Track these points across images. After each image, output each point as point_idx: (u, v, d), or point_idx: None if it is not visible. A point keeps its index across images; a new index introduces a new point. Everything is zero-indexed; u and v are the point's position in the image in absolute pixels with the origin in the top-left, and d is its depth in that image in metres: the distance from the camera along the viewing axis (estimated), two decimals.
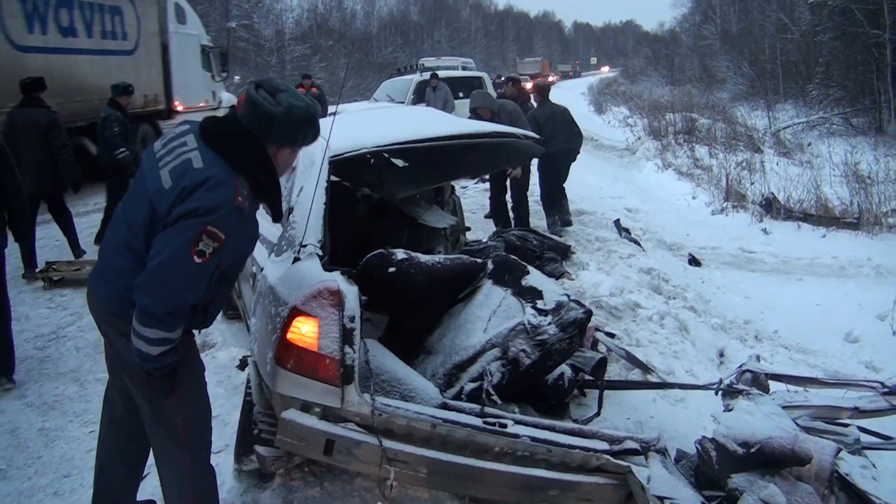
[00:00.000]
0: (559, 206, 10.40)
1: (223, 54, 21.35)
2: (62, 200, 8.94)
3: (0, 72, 11.44)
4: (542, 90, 10.81)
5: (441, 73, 19.59)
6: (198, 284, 2.89)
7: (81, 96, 13.41)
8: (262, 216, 4.73)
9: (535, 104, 10.94)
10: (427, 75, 18.70)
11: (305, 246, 3.65)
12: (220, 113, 7.01)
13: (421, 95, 17.66)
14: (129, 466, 3.52)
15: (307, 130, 3.10)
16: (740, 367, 4.41)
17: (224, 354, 5.91)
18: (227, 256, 2.93)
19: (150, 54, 16.35)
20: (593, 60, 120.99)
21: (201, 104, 18.60)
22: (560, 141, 9.82)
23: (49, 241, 9.93)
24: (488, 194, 11.40)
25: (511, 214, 10.02)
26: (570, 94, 48.61)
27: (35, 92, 8.48)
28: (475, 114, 8.95)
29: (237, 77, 40.17)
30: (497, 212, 10.11)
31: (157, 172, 2.94)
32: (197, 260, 2.78)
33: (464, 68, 26.90)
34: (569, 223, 10.35)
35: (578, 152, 10.55)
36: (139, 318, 2.81)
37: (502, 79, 13.42)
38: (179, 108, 17.16)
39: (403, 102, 17.32)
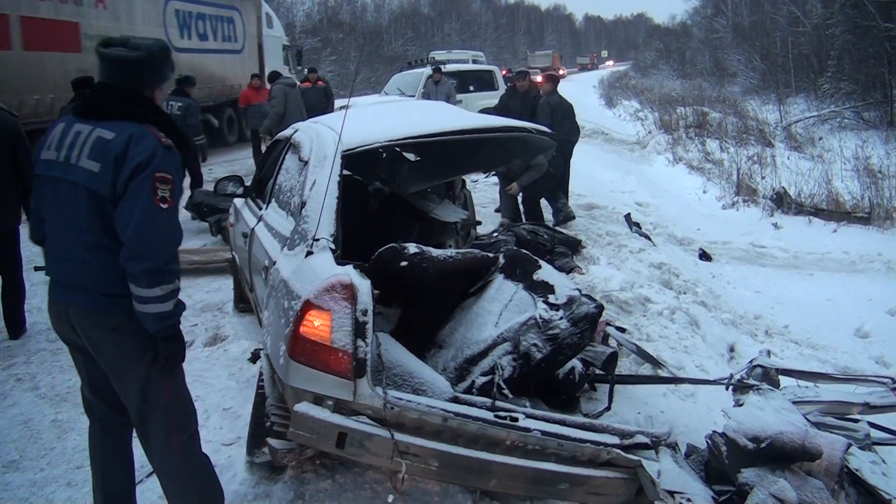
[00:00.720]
0: (558, 201, 10.39)
1: (298, 52, 25.73)
2: None
3: (178, 70, 13.16)
4: (553, 79, 10.83)
5: (451, 67, 19.57)
6: (175, 227, 3.07)
7: (209, 84, 18.04)
8: (276, 210, 4.77)
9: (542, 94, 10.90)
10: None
11: (318, 240, 3.66)
12: None
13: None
14: (129, 469, 3.59)
15: (168, 59, 3.26)
16: (751, 362, 4.41)
17: (236, 347, 5.94)
18: (179, 191, 3.08)
19: (251, 53, 21.32)
20: (604, 54, 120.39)
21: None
22: (565, 131, 9.83)
23: None
24: (497, 188, 11.41)
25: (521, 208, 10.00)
26: (580, 88, 48.50)
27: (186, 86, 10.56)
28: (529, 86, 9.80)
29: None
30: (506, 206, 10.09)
31: (73, 171, 2.99)
32: (163, 206, 2.96)
33: (474, 61, 26.88)
34: (570, 217, 10.32)
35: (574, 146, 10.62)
36: (145, 282, 2.93)
37: (513, 73, 13.41)
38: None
39: (414, 96, 17.31)
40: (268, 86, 14.00)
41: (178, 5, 17.30)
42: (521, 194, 9.71)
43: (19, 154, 6.02)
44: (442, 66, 17.22)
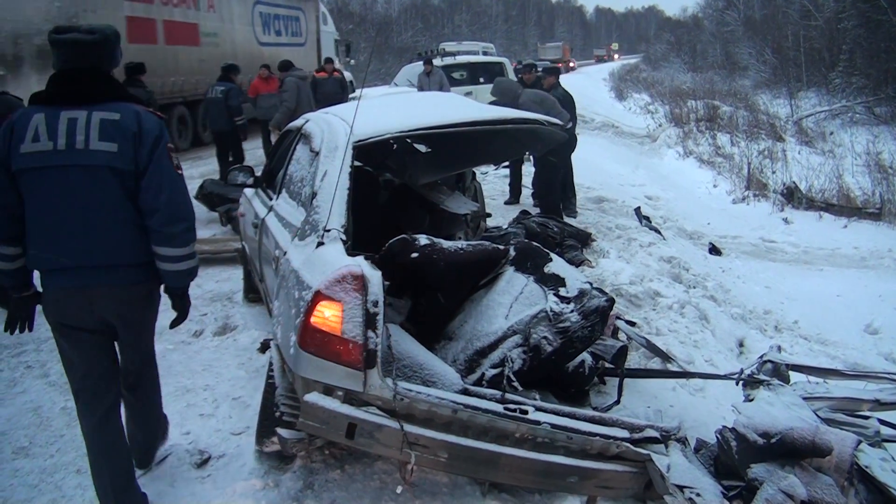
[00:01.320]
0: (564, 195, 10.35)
1: (347, 45, 28.54)
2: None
3: (252, 57, 18.88)
4: (555, 72, 10.79)
5: (461, 59, 19.52)
6: (187, 188, 3.50)
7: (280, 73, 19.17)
8: (286, 201, 4.77)
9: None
10: (449, 60, 18.64)
11: (329, 230, 3.66)
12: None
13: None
14: (126, 446, 3.71)
15: (118, 44, 3.42)
16: (761, 357, 4.41)
17: (245, 337, 5.94)
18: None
19: (311, 45, 24.79)
20: (615, 46, 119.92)
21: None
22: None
23: None
24: (508, 181, 11.42)
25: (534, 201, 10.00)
26: (591, 80, 48.42)
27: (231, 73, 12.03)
28: (537, 79, 9.69)
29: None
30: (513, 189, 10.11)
31: (85, 155, 3.15)
32: (180, 172, 3.40)
33: (484, 53, 26.80)
34: (573, 213, 10.30)
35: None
36: (182, 241, 3.38)
37: (521, 65, 13.35)
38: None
39: (449, 86, 17.28)
40: (276, 75, 13.92)
41: (261, 8, 21.23)
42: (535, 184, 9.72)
43: None
44: (433, 57, 17.05)
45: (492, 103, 7.81)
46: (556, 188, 9.71)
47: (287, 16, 22.93)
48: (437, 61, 18.59)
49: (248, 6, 20.27)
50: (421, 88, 15.43)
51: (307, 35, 24.69)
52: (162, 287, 3.62)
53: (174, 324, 3.70)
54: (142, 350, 3.71)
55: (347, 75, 20.63)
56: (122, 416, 3.72)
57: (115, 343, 3.61)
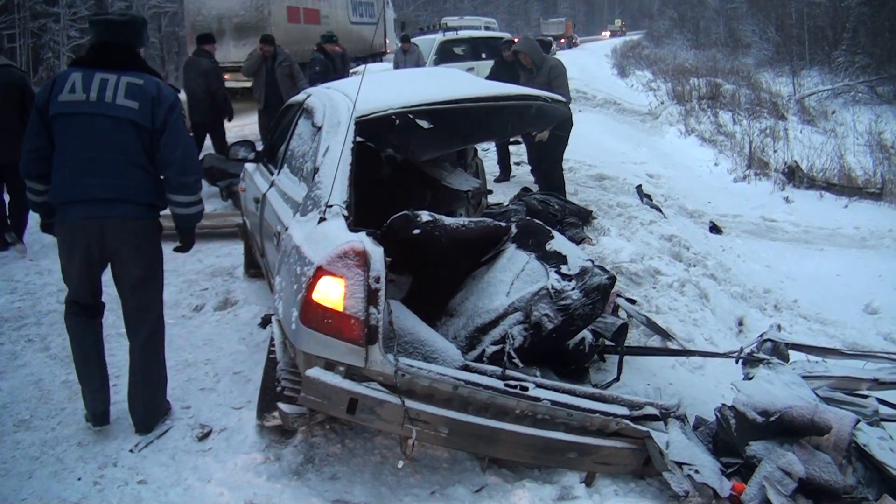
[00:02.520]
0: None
1: (402, 23, 31.03)
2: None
3: (347, 33, 23.66)
4: (545, 45, 10.71)
5: (463, 34, 19.41)
6: (196, 148, 4.01)
7: (362, 45, 25.03)
8: (288, 176, 4.76)
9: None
10: (451, 35, 18.53)
11: (331, 206, 3.66)
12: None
13: (443, 56, 17.49)
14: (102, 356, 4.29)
15: (145, 28, 4.21)
16: (761, 335, 4.42)
17: (246, 312, 5.95)
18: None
19: (381, 25, 28.42)
20: (617, 22, 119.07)
21: (389, 50, 26.49)
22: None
23: None
24: (496, 160, 11.33)
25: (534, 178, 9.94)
26: (593, 57, 48.15)
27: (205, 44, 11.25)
28: (516, 56, 9.33)
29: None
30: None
31: (107, 107, 3.81)
32: (191, 135, 3.90)
33: (486, 28, 26.68)
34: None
35: None
36: (192, 190, 4.11)
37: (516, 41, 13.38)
38: (387, 52, 25.95)
39: (426, 63, 17.20)
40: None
41: None
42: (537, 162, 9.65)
43: (27, 101, 6.99)
44: (408, 35, 17.03)
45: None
46: (561, 163, 9.62)
47: (366, 1, 28.12)
48: (439, 36, 18.49)
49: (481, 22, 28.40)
50: (397, 66, 15.37)
51: (378, 16, 28.74)
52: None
53: (178, 250, 4.45)
54: (144, 290, 4.17)
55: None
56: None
57: (124, 290, 4.15)
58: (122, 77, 3.85)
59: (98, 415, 4.21)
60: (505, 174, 11.22)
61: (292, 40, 18.24)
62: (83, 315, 4.13)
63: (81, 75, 3.84)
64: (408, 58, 15.19)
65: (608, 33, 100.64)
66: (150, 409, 4.28)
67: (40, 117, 3.88)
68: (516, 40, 11.85)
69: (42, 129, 3.87)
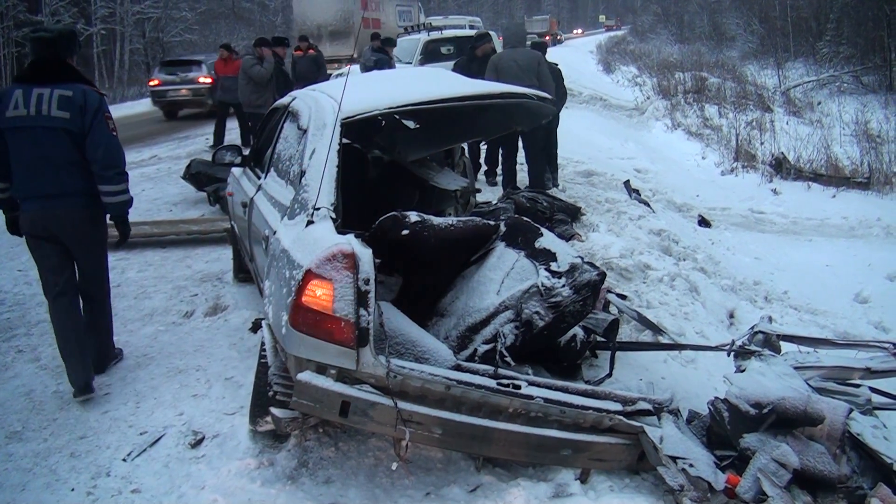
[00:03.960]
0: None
1: (431, 25, 32.45)
2: None
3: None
4: (540, 45, 10.70)
5: (448, 33, 19.41)
6: (121, 145, 4.85)
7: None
8: (275, 179, 4.75)
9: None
10: (436, 34, 18.51)
11: (319, 209, 3.65)
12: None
13: (428, 56, 17.45)
14: (78, 321, 4.95)
15: (73, 38, 4.93)
16: (752, 328, 4.42)
17: (236, 317, 5.93)
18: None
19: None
20: (602, 18, 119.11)
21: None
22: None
23: None
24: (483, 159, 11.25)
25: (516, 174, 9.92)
26: (578, 53, 48.19)
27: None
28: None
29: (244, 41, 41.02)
30: (508, 174, 9.91)
31: (45, 120, 4.52)
32: (115, 133, 4.78)
33: (471, 27, 26.63)
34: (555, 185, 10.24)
35: None
36: (116, 181, 4.74)
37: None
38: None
39: (411, 63, 17.18)
40: (236, 56, 13.81)
41: (398, 6, 30.38)
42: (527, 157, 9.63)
43: None
44: (378, 33, 17.20)
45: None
46: (541, 156, 9.63)
47: (407, 10, 31.71)
48: (423, 36, 18.46)
49: (393, 5, 29.91)
50: (366, 66, 15.26)
51: (415, 20, 30.70)
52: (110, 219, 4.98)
53: (118, 244, 5.18)
54: (92, 264, 5.00)
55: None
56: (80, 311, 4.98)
57: (74, 261, 4.92)
58: (55, 90, 4.56)
59: (81, 386, 4.77)
60: (493, 176, 10.99)
61: (364, 42, 19.00)
62: (59, 297, 4.83)
63: (22, 92, 4.56)
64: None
65: (580, 30, 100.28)
66: (102, 353, 5.20)
67: None
68: (488, 33, 11.88)
69: None
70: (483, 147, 10.96)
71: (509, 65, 8.74)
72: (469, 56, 10.85)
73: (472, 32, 21.76)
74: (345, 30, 25.28)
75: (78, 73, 4.78)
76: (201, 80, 20.39)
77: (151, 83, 21.81)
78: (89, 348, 4.94)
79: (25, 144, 4.59)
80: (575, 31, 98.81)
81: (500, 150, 10.20)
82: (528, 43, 10.77)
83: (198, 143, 13.68)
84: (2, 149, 4.65)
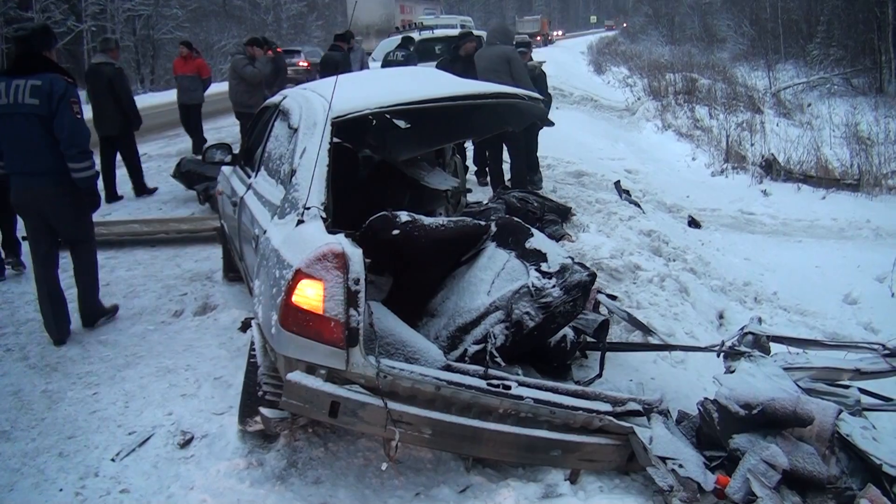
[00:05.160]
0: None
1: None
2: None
3: None
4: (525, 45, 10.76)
5: (439, 32, 19.42)
6: (86, 127, 5.44)
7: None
8: (265, 179, 4.73)
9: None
10: (426, 34, 18.51)
11: (309, 208, 3.64)
12: None
13: (420, 55, 17.42)
14: (57, 283, 5.77)
15: (47, 34, 5.67)
16: (742, 328, 4.43)
17: (226, 316, 5.92)
18: (80, 105, 5.45)
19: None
20: (593, 19, 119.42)
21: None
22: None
23: None
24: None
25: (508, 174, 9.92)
26: (570, 54, 48.26)
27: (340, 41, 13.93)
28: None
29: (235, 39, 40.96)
30: (495, 175, 9.92)
31: (20, 107, 5.23)
32: (79, 116, 5.36)
33: (462, 27, 26.64)
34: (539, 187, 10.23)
35: None
36: (79, 159, 5.35)
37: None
38: None
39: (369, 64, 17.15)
40: (197, 55, 13.46)
41: (426, 7, 34.08)
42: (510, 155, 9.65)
43: (117, 90, 8.96)
44: (353, 32, 17.36)
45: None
46: (522, 157, 9.67)
47: (433, 12, 33.88)
48: (414, 35, 18.46)
49: (421, 8, 33.82)
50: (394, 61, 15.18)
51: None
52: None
53: (89, 206, 5.78)
54: (70, 231, 5.72)
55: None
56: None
57: (60, 233, 5.71)
58: (29, 80, 5.25)
59: (56, 339, 5.67)
60: (483, 176, 10.89)
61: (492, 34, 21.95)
62: (40, 262, 5.66)
63: (4, 84, 5.29)
64: (353, 56, 14.71)
65: (560, 32, 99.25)
66: (89, 309, 5.94)
67: None
68: (472, 32, 11.96)
69: None
70: (469, 147, 10.93)
71: (479, 62, 9.11)
72: (452, 55, 10.88)
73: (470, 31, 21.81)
74: (387, 29, 29.29)
75: (52, 63, 5.48)
76: (300, 64, 25.74)
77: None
78: (81, 304, 5.91)
79: (7, 128, 5.33)
80: (555, 33, 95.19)
81: (487, 152, 10.22)
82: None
83: (187, 141, 13.59)
84: None
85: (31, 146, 5.32)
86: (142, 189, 10.71)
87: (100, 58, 10.17)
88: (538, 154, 10.52)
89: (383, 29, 29.65)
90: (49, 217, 5.55)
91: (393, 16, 30.54)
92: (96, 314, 5.97)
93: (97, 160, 6.63)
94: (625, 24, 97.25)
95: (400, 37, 19.17)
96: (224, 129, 14.62)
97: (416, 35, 18.70)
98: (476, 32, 21.42)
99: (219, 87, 16.96)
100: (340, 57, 13.16)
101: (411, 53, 14.53)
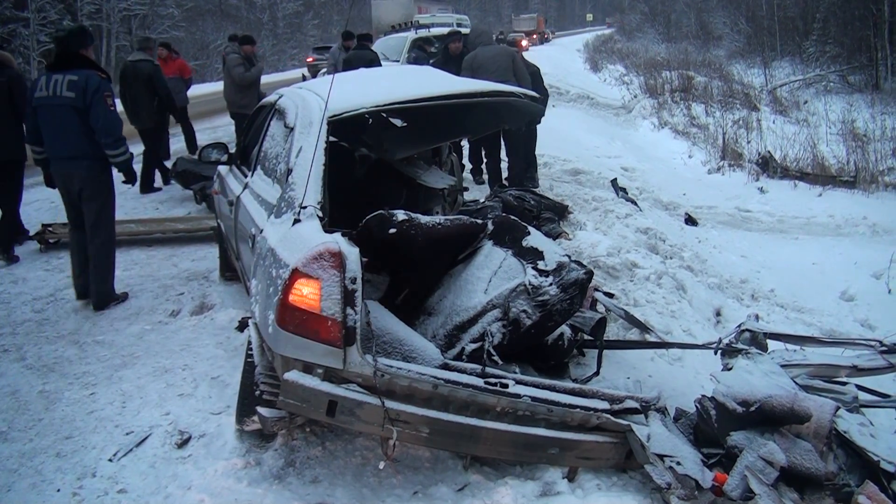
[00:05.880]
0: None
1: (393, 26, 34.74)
2: None
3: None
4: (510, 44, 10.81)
5: (436, 31, 19.39)
6: (118, 117, 6.08)
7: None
8: (261, 178, 4.72)
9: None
10: (423, 32, 18.48)
11: (305, 207, 3.63)
12: None
13: (416, 53, 17.40)
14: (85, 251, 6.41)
15: (83, 34, 6.33)
16: (739, 326, 4.42)
17: (223, 316, 5.91)
18: (113, 98, 6.07)
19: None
20: (589, 17, 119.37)
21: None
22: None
23: (44, 202, 9.89)
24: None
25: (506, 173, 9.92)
26: (565, 51, 48.26)
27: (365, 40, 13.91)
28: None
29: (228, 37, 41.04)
30: (493, 173, 9.92)
31: (58, 99, 5.90)
32: (112, 108, 5.99)
33: (459, 25, 26.62)
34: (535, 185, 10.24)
35: None
36: (115, 147, 6.03)
37: (496, 37, 13.41)
38: None
39: (399, 61, 17.13)
40: (175, 56, 13.11)
41: (440, 8, 35.02)
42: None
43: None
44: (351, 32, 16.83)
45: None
46: (521, 154, 9.69)
47: (446, 12, 35.34)
48: (411, 34, 18.43)
49: (436, 9, 34.51)
50: (336, 68, 14.93)
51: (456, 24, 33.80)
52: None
53: (126, 182, 6.68)
54: (93, 212, 6.23)
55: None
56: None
57: (86, 213, 6.26)
58: (66, 76, 5.91)
59: (80, 292, 6.50)
60: (480, 174, 10.89)
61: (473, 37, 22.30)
62: (73, 230, 6.42)
63: (45, 78, 5.99)
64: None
65: (551, 31, 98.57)
66: (102, 291, 6.36)
67: (30, 106, 6.15)
68: (460, 31, 12.00)
69: (32, 113, 6.14)
70: (465, 145, 10.93)
71: (481, 61, 9.14)
72: (444, 56, 10.97)
73: (461, 31, 21.77)
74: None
75: (88, 60, 6.13)
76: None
77: (308, 59, 29.72)
78: (92, 286, 6.36)
79: (47, 118, 6.02)
80: (546, 32, 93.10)
81: (482, 149, 10.23)
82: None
83: (181, 141, 13.57)
84: (35, 122, 6.14)
85: (67, 134, 5.97)
86: (148, 187, 10.84)
87: (138, 55, 10.80)
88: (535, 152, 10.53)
89: (404, 28, 30.44)
90: (82, 196, 6.18)
91: (411, 16, 30.49)
92: (107, 299, 6.38)
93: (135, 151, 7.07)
94: (608, 22, 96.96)
95: (395, 36, 19.20)
96: (220, 129, 14.58)
97: (412, 33, 18.68)
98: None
99: (216, 87, 16.88)
100: (373, 55, 13.22)
101: (421, 54, 14.77)
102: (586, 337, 4.72)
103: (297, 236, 3.47)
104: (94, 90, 5.86)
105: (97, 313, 6.24)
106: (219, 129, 14.58)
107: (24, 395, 4.89)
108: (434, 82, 5.22)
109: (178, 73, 12.68)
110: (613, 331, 5.47)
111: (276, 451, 3.89)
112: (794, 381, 3.66)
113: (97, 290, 6.34)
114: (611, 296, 5.75)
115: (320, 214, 3.65)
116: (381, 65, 13.12)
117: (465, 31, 20.58)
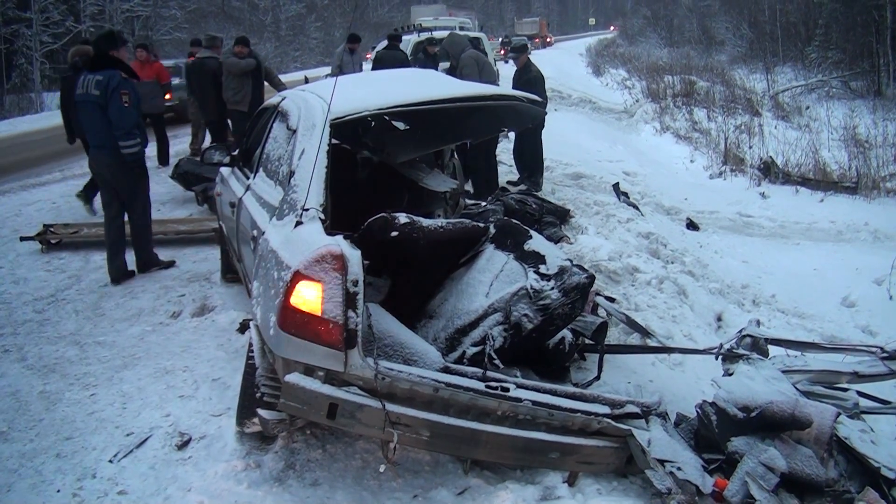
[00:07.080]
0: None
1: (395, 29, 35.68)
2: None
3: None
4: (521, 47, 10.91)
5: (438, 34, 19.39)
6: (133, 113, 6.70)
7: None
8: (263, 180, 4.73)
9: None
10: (424, 35, 18.47)
11: (307, 210, 3.63)
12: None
13: (419, 55, 17.40)
14: (122, 232, 7.22)
15: (112, 37, 7.06)
16: (740, 331, 4.43)
17: (224, 318, 5.91)
18: (134, 98, 6.73)
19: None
20: (592, 21, 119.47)
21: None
22: None
23: (46, 203, 9.90)
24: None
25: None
26: (567, 56, 48.28)
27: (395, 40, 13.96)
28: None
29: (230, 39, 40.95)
30: (491, 181, 9.88)
31: (87, 96, 6.62)
32: (126, 105, 6.59)
33: (461, 28, 26.61)
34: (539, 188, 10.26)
35: None
36: (126, 139, 6.60)
37: (500, 40, 13.43)
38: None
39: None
40: (153, 59, 12.88)
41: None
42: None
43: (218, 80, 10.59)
44: (356, 34, 16.80)
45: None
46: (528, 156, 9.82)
47: (469, 17, 35.81)
48: (413, 37, 18.40)
49: (461, 14, 36.29)
50: (342, 70, 14.81)
51: (474, 27, 32.75)
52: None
53: (141, 179, 7.14)
54: (126, 191, 7.03)
55: None
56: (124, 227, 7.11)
57: (121, 194, 7.06)
58: (95, 76, 6.61)
59: (113, 277, 7.09)
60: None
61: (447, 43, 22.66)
62: (110, 212, 7.09)
63: (82, 78, 6.75)
64: (354, 59, 14.52)
65: (551, 36, 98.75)
66: (142, 257, 7.28)
67: (73, 103, 7.41)
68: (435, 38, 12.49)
69: (74, 108, 7.38)
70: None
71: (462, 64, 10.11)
72: (425, 56, 11.58)
73: (464, 34, 21.77)
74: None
75: (117, 61, 6.82)
76: (367, 56, 26.22)
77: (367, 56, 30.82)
78: (124, 252, 7.16)
79: (83, 113, 6.91)
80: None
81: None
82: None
83: (185, 142, 13.59)
84: (77, 116, 7.39)
85: (95, 126, 6.77)
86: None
87: (205, 53, 11.55)
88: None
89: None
90: (110, 180, 6.98)
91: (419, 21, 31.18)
92: (149, 263, 7.33)
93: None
94: (612, 27, 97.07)
95: (406, 38, 19.20)
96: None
97: (415, 36, 18.67)
98: (475, 35, 21.48)
99: None
100: (403, 55, 13.54)
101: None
102: (587, 341, 4.72)
103: (299, 238, 3.47)
104: (114, 88, 6.53)
105: (97, 314, 6.21)
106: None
107: (25, 395, 4.89)
108: (436, 86, 5.22)
109: (155, 78, 12.34)
110: (614, 335, 5.47)
111: (276, 454, 3.89)
112: (795, 387, 3.66)
113: (138, 256, 7.29)
114: (612, 300, 5.76)
115: (322, 217, 3.65)
116: (410, 65, 13.58)
117: (465, 32, 20.69)
